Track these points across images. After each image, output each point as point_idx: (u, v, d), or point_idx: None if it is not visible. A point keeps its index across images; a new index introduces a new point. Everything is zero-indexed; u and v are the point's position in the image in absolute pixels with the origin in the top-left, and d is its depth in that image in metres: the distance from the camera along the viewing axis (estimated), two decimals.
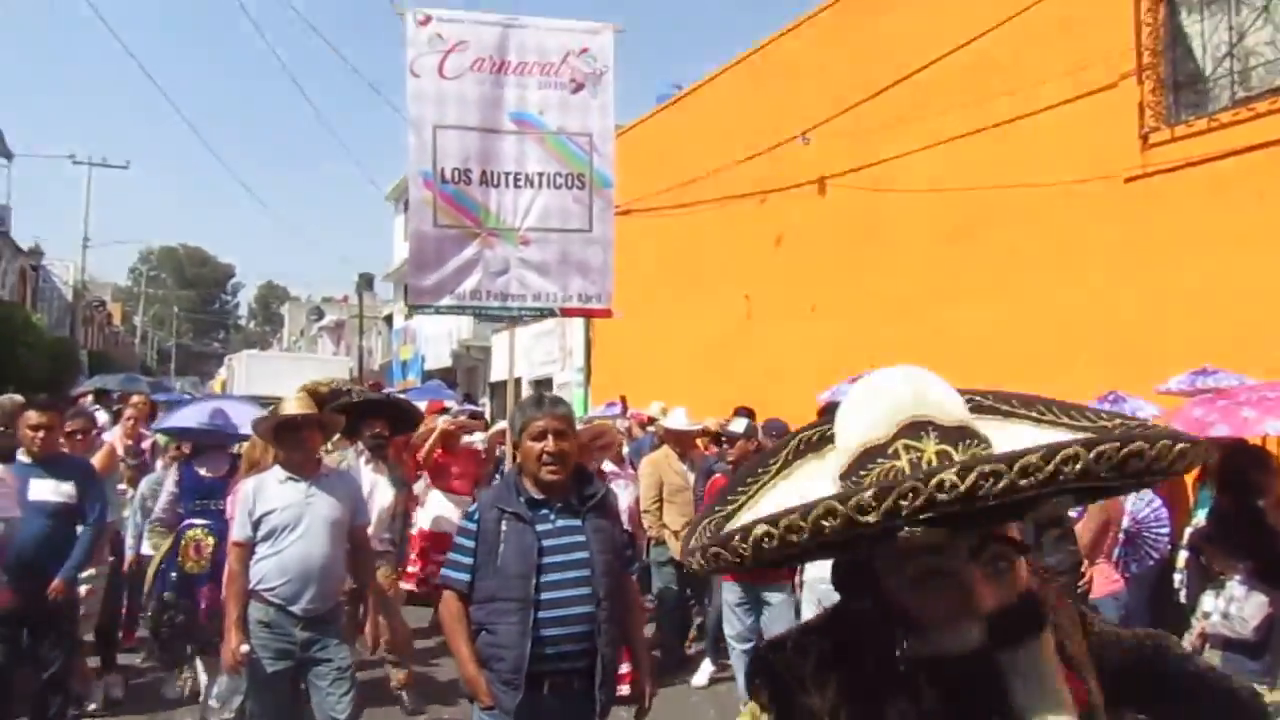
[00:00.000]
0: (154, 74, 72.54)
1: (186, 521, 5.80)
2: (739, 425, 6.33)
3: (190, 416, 6.52)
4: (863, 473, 1.15)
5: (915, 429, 1.14)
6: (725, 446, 7.07)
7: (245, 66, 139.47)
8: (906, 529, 1.01)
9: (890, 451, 1.13)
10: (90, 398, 13.14)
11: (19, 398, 6.84)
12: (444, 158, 5.80)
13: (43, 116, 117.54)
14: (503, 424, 7.50)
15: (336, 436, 6.43)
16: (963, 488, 0.97)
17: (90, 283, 37.80)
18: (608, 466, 7.47)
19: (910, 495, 0.99)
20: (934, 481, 0.98)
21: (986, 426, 1.22)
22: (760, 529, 1.06)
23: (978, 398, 1.34)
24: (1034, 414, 1.29)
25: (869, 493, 1.00)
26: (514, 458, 5.94)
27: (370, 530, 5.68)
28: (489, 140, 5.86)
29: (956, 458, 1.10)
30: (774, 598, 5.68)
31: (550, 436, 3.22)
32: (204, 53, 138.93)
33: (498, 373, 24.13)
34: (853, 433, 1.21)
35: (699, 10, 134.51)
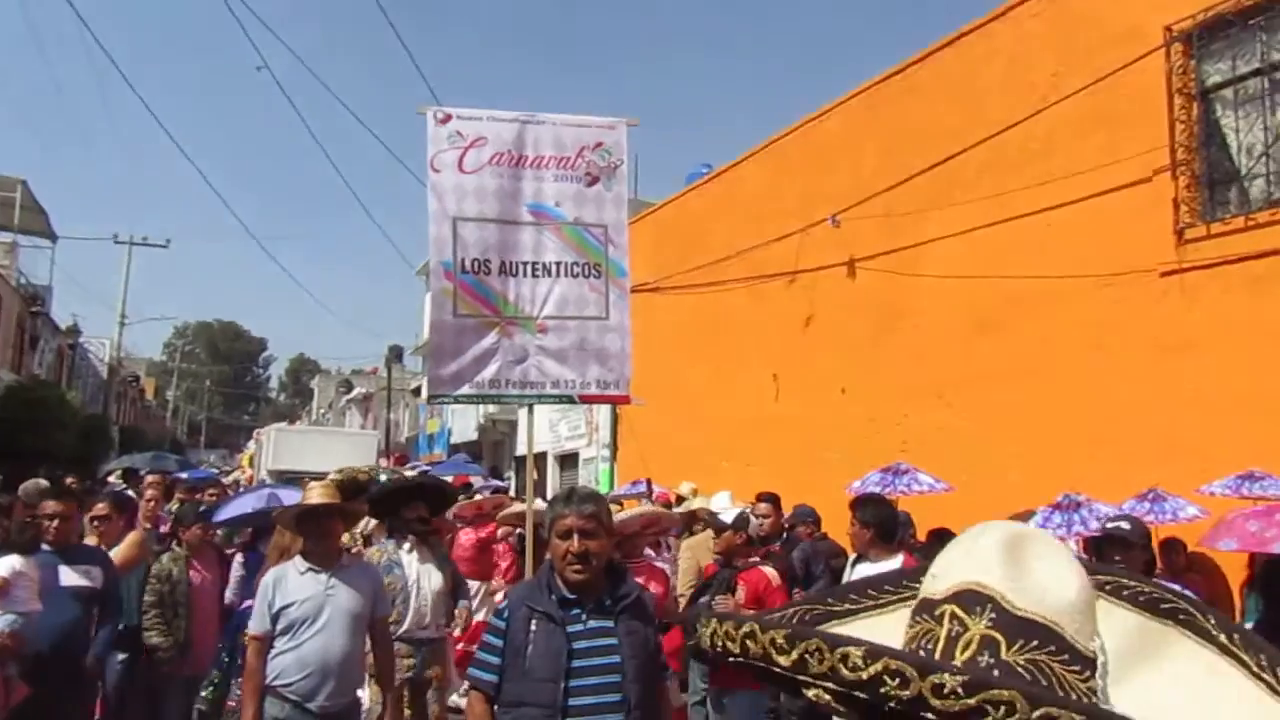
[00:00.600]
0: (191, 151, 74.72)
1: (246, 604, 5.87)
2: (729, 515, 6.17)
3: (247, 503, 7.24)
4: (914, 621, 1.02)
5: (973, 599, 0.96)
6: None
7: (279, 142, 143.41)
8: (813, 691, 0.92)
9: (937, 613, 0.98)
10: (118, 476, 13.20)
11: (44, 483, 6.89)
12: (464, 249, 5.85)
13: (83, 195, 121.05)
14: (518, 507, 7.40)
15: (373, 524, 6.37)
16: (865, 674, 0.85)
17: (125, 358, 38.38)
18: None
19: (816, 655, 0.89)
20: (839, 653, 0.87)
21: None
22: (748, 627, 0.98)
23: (1145, 592, 1.10)
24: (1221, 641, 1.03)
25: (783, 633, 0.93)
26: (530, 552, 5.84)
27: (426, 619, 5.61)
28: (507, 231, 5.93)
29: (1004, 656, 0.92)
30: (732, 704, 5.46)
31: (575, 535, 3.10)
32: (239, 128, 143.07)
33: (523, 447, 24.06)
34: (929, 574, 1.05)
35: (730, 94, 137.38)
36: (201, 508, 6.65)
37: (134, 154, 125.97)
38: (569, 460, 19.77)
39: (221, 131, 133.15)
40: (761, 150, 13.93)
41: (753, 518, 7.61)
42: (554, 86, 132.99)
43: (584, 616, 3.11)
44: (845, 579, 5.66)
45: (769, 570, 5.80)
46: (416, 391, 36.95)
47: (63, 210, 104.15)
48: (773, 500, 7.41)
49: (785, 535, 7.47)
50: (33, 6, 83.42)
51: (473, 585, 7.88)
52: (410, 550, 5.76)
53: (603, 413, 17.77)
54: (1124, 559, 4.45)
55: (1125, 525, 4.64)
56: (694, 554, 6.90)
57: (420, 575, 5.68)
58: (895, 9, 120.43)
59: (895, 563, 5.30)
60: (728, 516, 6.19)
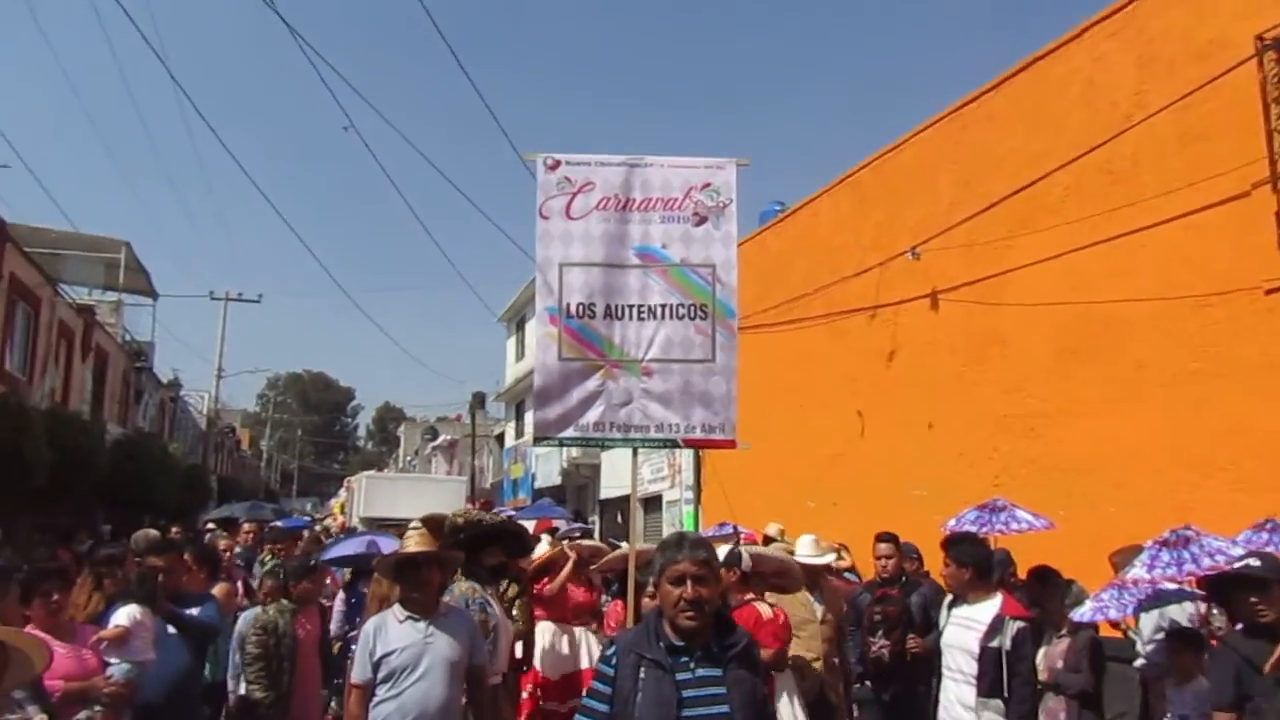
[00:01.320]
0: (281, 207, 77.98)
1: (355, 632, 6.04)
2: (813, 562, 5.95)
3: (349, 547, 8.26)
4: None
5: None
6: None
7: (364, 196, 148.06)
8: None
9: None
10: (216, 525, 13.60)
11: (154, 533, 7.21)
12: (569, 294, 5.83)
13: (180, 254, 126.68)
14: (619, 552, 7.33)
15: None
16: None
17: (221, 410, 39.74)
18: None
19: None
20: None
21: None
22: None
23: None
24: None
25: None
26: (631, 598, 5.72)
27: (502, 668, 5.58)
28: (613, 275, 5.89)
29: None
30: None
31: (689, 581, 3.05)
32: (326, 185, 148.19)
33: (607, 490, 24.12)
34: None
35: (796, 131, 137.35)
36: (312, 561, 6.78)
37: (228, 212, 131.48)
38: (652, 503, 19.67)
39: (309, 188, 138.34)
40: (837, 185, 13.87)
41: (874, 559, 7.26)
42: (625, 125, 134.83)
43: (692, 665, 3.05)
44: (942, 622, 5.49)
45: (762, 606, 5.64)
46: (500, 438, 37.37)
47: (161, 269, 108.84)
48: (893, 540, 7.03)
49: (904, 578, 7.16)
50: (131, 73, 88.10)
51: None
52: (494, 596, 5.77)
53: (686, 454, 17.66)
54: (1261, 601, 4.14)
55: (1256, 562, 4.25)
56: (778, 598, 6.60)
57: (499, 622, 5.66)
58: (963, 39, 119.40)
59: (994, 603, 5.12)
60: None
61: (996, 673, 4.84)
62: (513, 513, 20.06)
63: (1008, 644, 4.87)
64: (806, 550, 6.94)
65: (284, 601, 6.14)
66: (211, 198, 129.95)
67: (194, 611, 5.65)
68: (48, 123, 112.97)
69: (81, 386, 20.81)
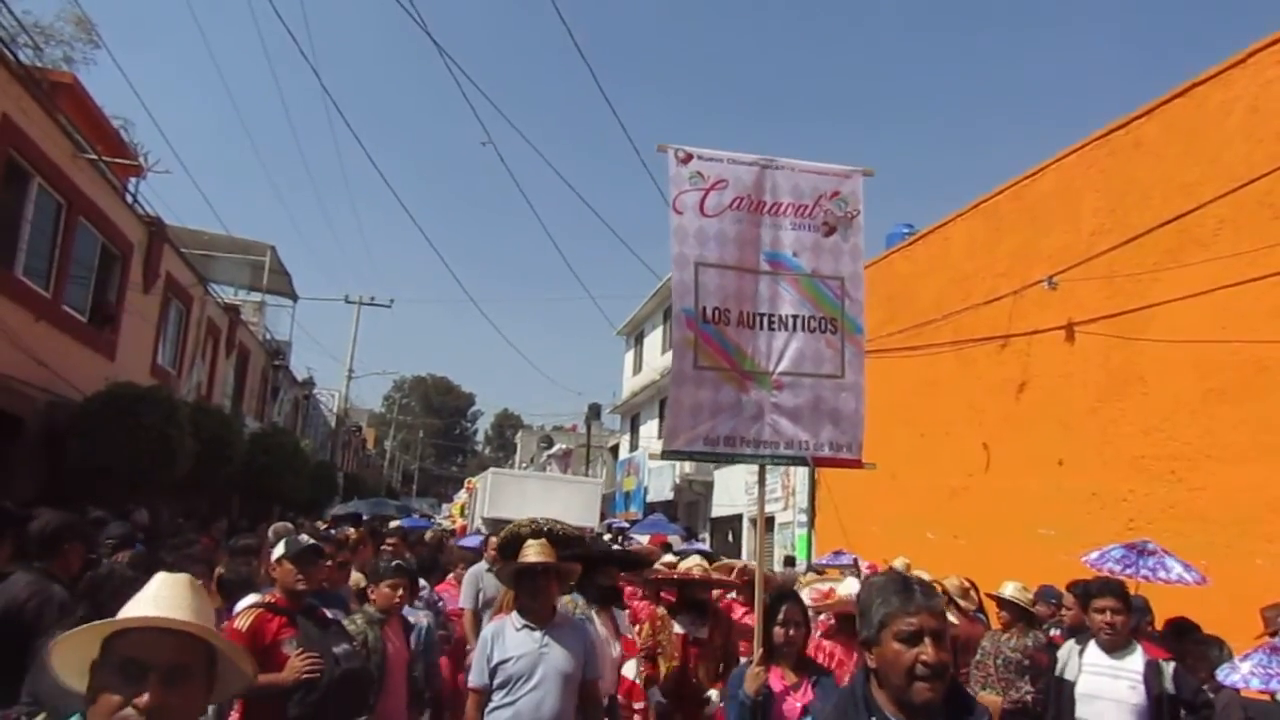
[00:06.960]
0: (418, 218, 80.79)
1: None
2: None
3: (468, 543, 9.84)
4: None
5: None
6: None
7: (493, 205, 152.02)
8: None
9: None
10: (336, 522, 14.12)
11: (290, 525, 7.53)
12: (705, 296, 5.50)
13: (322, 258, 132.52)
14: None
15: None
16: None
17: (350, 409, 41.27)
18: None
19: None
20: None
21: None
22: None
23: None
24: None
25: None
26: (759, 633, 5.36)
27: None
28: (745, 280, 5.59)
29: None
30: None
31: (928, 640, 2.33)
32: (454, 193, 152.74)
33: (719, 509, 23.99)
34: None
35: (924, 155, 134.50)
36: (395, 563, 5.62)
37: (366, 220, 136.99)
38: (765, 524, 19.43)
39: (445, 199, 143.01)
40: (970, 210, 13.51)
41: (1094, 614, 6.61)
42: (744, 142, 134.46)
43: None
44: (1070, 670, 5.24)
45: None
46: (614, 449, 37.66)
47: (301, 272, 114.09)
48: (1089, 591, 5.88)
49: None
50: (286, 85, 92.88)
51: None
52: (598, 613, 5.71)
53: (799, 475, 17.38)
54: None
55: None
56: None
57: (604, 640, 5.53)
58: (1104, 69, 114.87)
59: (1139, 651, 4.94)
60: None
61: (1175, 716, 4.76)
62: (626, 525, 20.16)
63: (1170, 686, 4.75)
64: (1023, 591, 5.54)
65: (369, 609, 5.27)
66: (352, 205, 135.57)
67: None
68: (205, 130, 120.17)
69: (224, 382, 21.87)
